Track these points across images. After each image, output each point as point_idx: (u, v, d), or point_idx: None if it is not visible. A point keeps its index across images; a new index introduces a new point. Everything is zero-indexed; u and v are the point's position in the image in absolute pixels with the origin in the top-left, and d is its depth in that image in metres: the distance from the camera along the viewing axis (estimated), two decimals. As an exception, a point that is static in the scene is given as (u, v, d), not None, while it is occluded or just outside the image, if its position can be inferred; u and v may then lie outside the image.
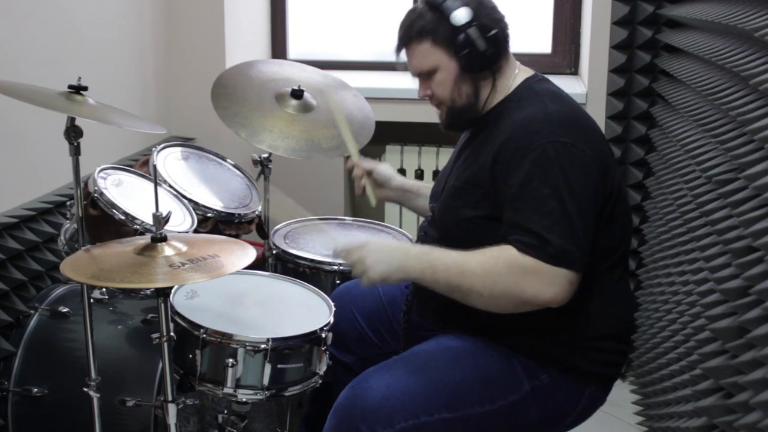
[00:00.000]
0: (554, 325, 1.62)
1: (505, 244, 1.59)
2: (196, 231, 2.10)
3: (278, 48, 3.44)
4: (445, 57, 1.74)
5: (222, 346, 1.71)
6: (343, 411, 1.63)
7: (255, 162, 2.44)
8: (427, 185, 2.12)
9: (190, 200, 2.19)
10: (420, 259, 1.66)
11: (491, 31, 1.70)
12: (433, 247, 1.68)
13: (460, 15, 1.70)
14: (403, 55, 1.80)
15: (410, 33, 1.75)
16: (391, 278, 1.67)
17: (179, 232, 1.99)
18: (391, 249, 1.70)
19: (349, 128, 2.17)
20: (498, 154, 1.66)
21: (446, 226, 1.80)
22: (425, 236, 1.88)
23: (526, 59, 1.87)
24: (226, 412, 1.85)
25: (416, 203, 2.13)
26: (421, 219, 2.08)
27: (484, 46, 1.70)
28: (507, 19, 1.77)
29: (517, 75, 1.78)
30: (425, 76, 1.78)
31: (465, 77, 1.75)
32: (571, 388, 1.72)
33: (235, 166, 2.51)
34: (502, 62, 1.76)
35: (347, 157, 2.20)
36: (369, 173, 2.13)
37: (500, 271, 1.57)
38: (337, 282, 2.16)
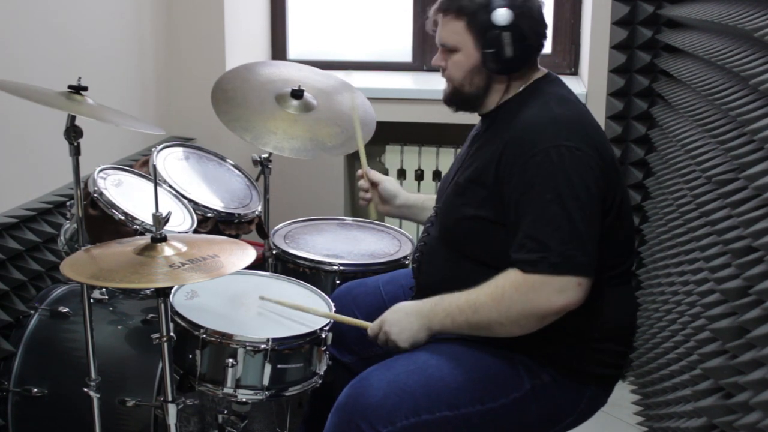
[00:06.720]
0: (556, 327, 1.62)
1: (509, 267, 1.61)
2: (196, 231, 2.10)
3: (278, 48, 3.44)
4: (471, 44, 1.72)
5: (222, 346, 1.71)
6: (344, 409, 1.64)
7: (255, 162, 2.45)
8: (431, 197, 2.10)
9: (190, 200, 2.19)
10: (435, 311, 1.69)
11: (525, 41, 1.69)
12: (440, 296, 1.70)
13: (502, 15, 1.68)
14: (439, 18, 1.77)
15: (452, 5, 1.73)
16: (420, 340, 1.70)
17: (179, 232, 1.99)
18: (407, 314, 1.71)
19: (362, 135, 2.17)
20: (502, 155, 1.66)
21: (446, 225, 1.79)
22: (428, 236, 1.88)
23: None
24: (226, 412, 1.85)
25: (422, 216, 2.11)
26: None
27: (511, 53, 1.69)
28: (546, 32, 1.75)
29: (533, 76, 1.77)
30: (447, 50, 1.77)
31: (482, 71, 1.74)
32: (572, 387, 1.73)
33: (235, 166, 2.51)
34: (524, 70, 1.75)
35: (350, 155, 2.20)
36: (375, 186, 2.13)
37: (510, 295, 1.60)
38: (337, 282, 2.16)
